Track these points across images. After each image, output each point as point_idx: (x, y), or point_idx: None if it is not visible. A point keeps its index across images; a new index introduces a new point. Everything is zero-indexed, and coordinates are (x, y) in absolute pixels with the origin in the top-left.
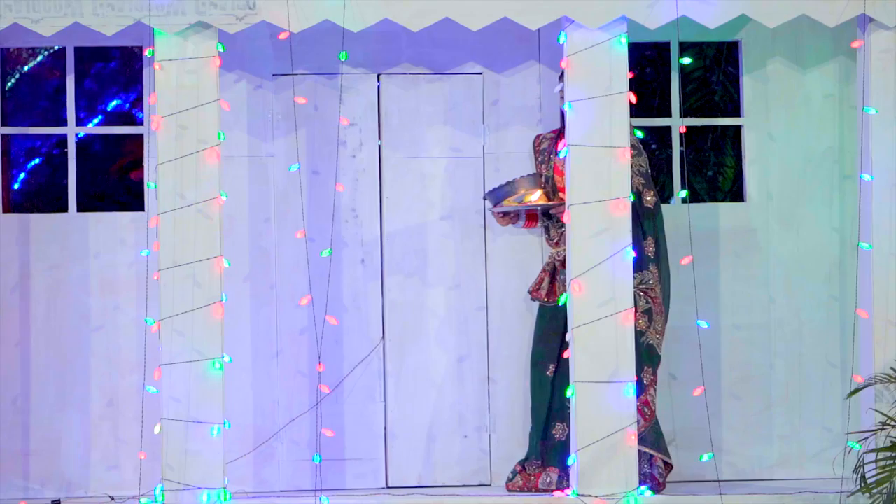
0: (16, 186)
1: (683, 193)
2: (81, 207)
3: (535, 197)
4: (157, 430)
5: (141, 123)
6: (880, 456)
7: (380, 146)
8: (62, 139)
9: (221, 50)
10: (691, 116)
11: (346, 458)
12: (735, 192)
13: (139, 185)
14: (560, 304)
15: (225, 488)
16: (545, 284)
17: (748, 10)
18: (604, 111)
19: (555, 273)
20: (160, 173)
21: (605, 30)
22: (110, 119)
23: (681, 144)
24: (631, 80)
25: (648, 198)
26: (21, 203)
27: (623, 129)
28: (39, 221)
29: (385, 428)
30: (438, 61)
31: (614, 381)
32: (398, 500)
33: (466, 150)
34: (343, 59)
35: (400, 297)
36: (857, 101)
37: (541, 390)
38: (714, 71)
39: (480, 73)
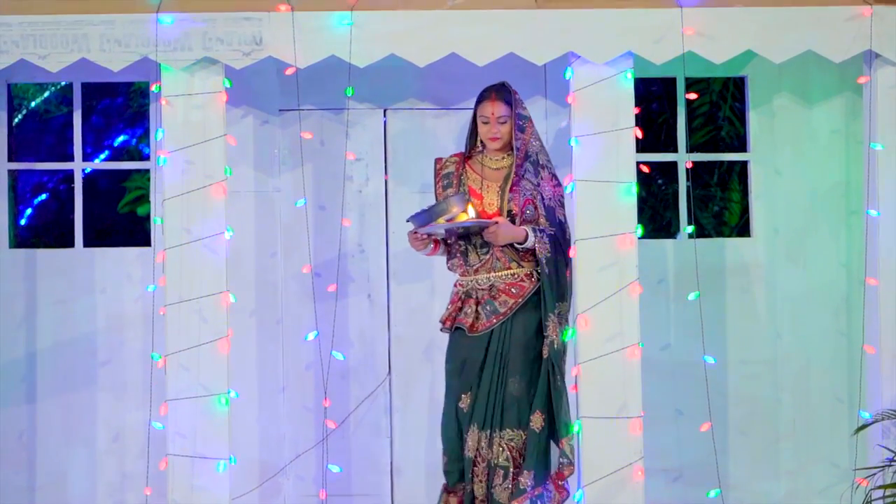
0: (23, 222)
1: (690, 229)
2: (88, 242)
3: (473, 214)
4: (162, 465)
5: (147, 158)
6: (888, 492)
7: (386, 181)
8: (69, 174)
9: (228, 85)
10: (698, 151)
11: (352, 493)
12: (741, 228)
13: (146, 220)
14: (484, 332)
15: None
16: (470, 311)
17: (754, 46)
18: (610, 146)
19: (478, 302)
20: (167, 208)
21: (611, 65)
22: (117, 154)
23: (687, 179)
24: (637, 116)
25: (570, 231)
26: (28, 238)
27: (629, 164)
28: (46, 256)
29: (391, 463)
30: (445, 96)
31: (621, 417)
32: None
33: None
34: (349, 95)
35: (406, 331)
36: (864, 137)
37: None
38: (720, 106)
39: None
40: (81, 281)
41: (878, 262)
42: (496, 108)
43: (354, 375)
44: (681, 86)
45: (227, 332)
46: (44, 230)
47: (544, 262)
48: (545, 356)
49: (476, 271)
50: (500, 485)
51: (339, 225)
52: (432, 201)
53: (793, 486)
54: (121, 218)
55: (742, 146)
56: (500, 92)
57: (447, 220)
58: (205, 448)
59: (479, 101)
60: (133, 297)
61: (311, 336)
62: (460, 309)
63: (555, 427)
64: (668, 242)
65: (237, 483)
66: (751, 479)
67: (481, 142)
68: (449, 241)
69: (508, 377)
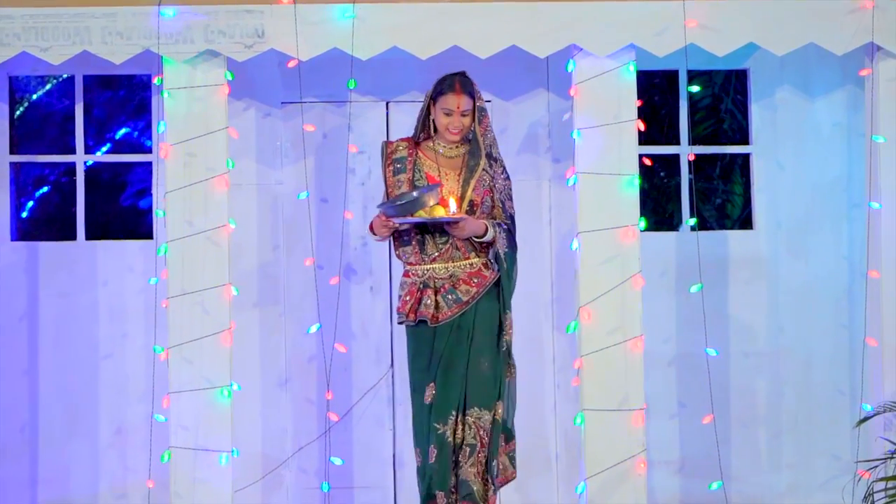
0: (24, 215)
1: (692, 221)
2: (90, 235)
3: (454, 207)
4: (165, 458)
5: (149, 151)
6: (890, 485)
7: None
8: (71, 167)
9: (230, 78)
10: (700, 144)
11: (354, 486)
12: (744, 220)
13: (148, 212)
14: (448, 322)
15: None
16: (430, 302)
17: (756, 39)
18: (612, 139)
19: (437, 292)
20: (169, 201)
21: (613, 58)
22: (119, 147)
23: (689, 172)
24: (639, 108)
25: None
26: (29, 231)
27: (632, 157)
28: (48, 249)
29: (394, 456)
30: None
31: (624, 409)
32: None
33: None
34: (352, 87)
35: None
36: (866, 130)
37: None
38: (722, 99)
39: (489, 101)
40: (83, 274)
41: (880, 254)
42: (461, 101)
43: (357, 368)
44: (683, 78)
45: (230, 324)
46: (46, 223)
47: (502, 256)
48: (502, 349)
49: (433, 260)
50: (467, 462)
51: (342, 217)
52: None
53: (794, 478)
54: (122, 211)
55: (744, 139)
56: (464, 83)
57: (425, 213)
58: (207, 441)
59: (440, 92)
60: (135, 290)
61: (313, 329)
62: (419, 300)
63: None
64: (670, 235)
65: (240, 475)
66: (752, 472)
67: (431, 128)
68: (401, 228)
69: (479, 357)
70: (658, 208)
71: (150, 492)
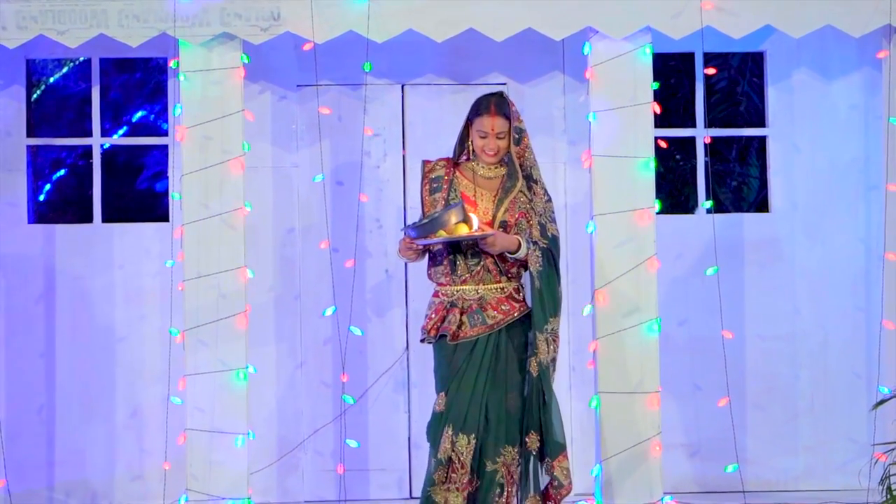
0: (41, 198)
1: (708, 204)
2: (106, 218)
3: (476, 223)
4: (181, 440)
5: (166, 134)
6: None
7: (404, 156)
8: (87, 150)
9: (246, 61)
10: (716, 127)
11: (370, 468)
12: (760, 203)
13: (164, 195)
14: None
15: (249, 498)
16: (454, 320)
17: (773, 21)
18: (628, 122)
19: (462, 312)
20: (185, 184)
21: (629, 40)
22: (135, 130)
23: (705, 155)
24: (655, 91)
25: (561, 246)
26: (46, 214)
27: (647, 139)
28: (64, 232)
29: (409, 438)
30: (462, 72)
31: (639, 392)
32: None
33: None
34: (367, 70)
35: (424, 307)
36: (883, 112)
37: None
38: (739, 81)
39: (504, 84)
40: (100, 256)
41: None
42: (496, 124)
43: (372, 350)
44: (699, 61)
45: (246, 307)
46: (62, 206)
47: (535, 275)
48: (533, 373)
49: (463, 282)
50: (497, 502)
51: (357, 200)
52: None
53: (811, 461)
54: (138, 193)
55: (760, 121)
56: (500, 105)
57: (447, 233)
58: (223, 423)
59: (476, 113)
60: (151, 273)
61: (328, 311)
62: (444, 318)
63: (544, 448)
64: (686, 218)
65: (255, 458)
66: (769, 455)
67: (470, 150)
68: (433, 249)
69: (507, 392)
70: (674, 191)
71: (167, 473)
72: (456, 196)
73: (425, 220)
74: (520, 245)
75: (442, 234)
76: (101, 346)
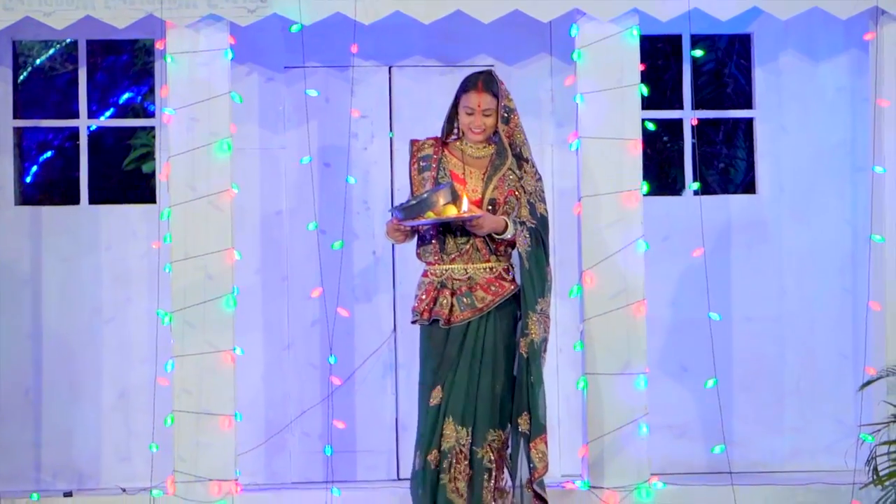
0: (28, 179)
1: (695, 185)
2: (93, 200)
3: (466, 204)
4: (168, 422)
5: (153, 116)
6: (893, 448)
7: (391, 138)
8: (74, 132)
9: (233, 42)
10: (703, 109)
11: (357, 449)
12: (747, 185)
13: (151, 177)
14: (460, 323)
15: (236, 480)
16: (445, 302)
17: (760, 3)
18: (615, 103)
19: (453, 293)
20: (172, 165)
21: (616, 22)
22: (122, 112)
23: (692, 137)
24: (642, 73)
25: (549, 225)
26: (33, 196)
27: (635, 121)
28: (51, 214)
29: (396, 420)
30: (450, 54)
31: (626, 373)
32: (409, 493)
33: None
34: (354, 52)
35: (411, 288)
36: (870, 94)
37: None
38: (726, 64)
39: (492, 66)
40: (87, 238)
41: (884, 218)
42: (482, 100)
43: (359, 332)
44: (686, 43)
45: (233, 289)
46: (49, 187)
47: (524, 255)
48: (524, 354)
49: (452, 260)
50: (486, 486)
51: (345, 182)
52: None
53: (797, 442)
54: (126, 175)
55: (747, 103)
56: (488, 82)
57: (435, 214)
58: (210, 404)
59: (463, 90)
60: (138, 254)
61: (316, 293)
62: (435, 300)
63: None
64: (673, 200)
65: (243, 439)
66: (755, 436)
67: (459, 129)
68: (422, 230)
69: (494, 377)
70: (661, 173)
71: (154, 455)
72: (445, 175)
73: (413, 202)
74: (507, 226)
75: (430, 216)
76: (88, 327)
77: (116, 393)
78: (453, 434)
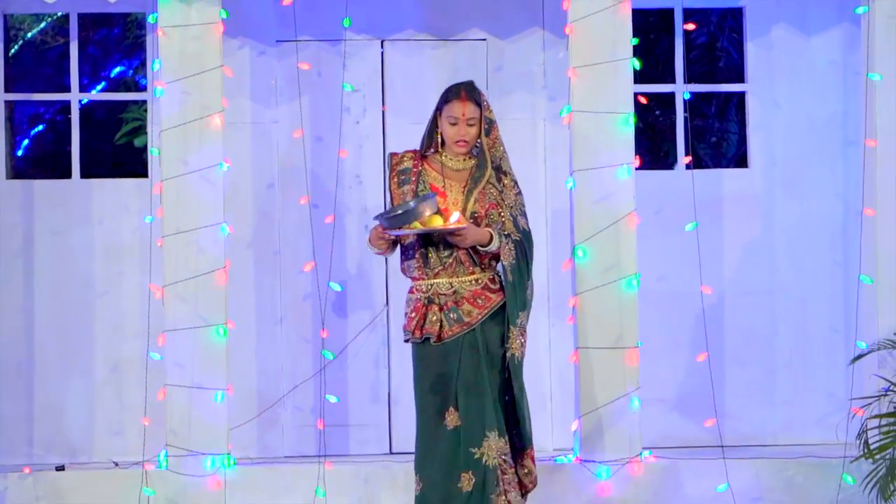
0: (19, 153)
1: (687, 159)
2: (85, 174)
3: (455, 218)
4: (160, 395)
5: (144, 90)
6: (884, 422)
7: (384, 112)
8: (66, 105)
9: (225, 16)
10: (695, 83)
11: (349, 424)
12: (739, 159)
13: (143, 151)
14: (448, 341)
15: (229, 454)
16: (435, 319)
17: None
18: (607, 77)
19: (441, 308)
20: (164, 139)
21: None
22: (113, 85)
23: (685, 111)
24: (635, 47)
25: (533, 239)
26: (25, 169)
27: (627, 95)
28: (43, 188)
29: (389, 394)
30: (443, 27)
31: (618, 347)
32: (402, 466)
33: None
34: (347, 26)
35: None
36: (862, 68)
37: (443, 443)
38: (718, 37)
39: (484, 40)
40: (78, 212)
41: (875, 192)
42: (466, 109)
43: (352, 306)
44: (679, 16)
45: (225, 263)
46: (41, 161)
47: (508, 268)
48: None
49: (436, 275)
50: (495, 492)
51: (337, 156)
52: (420, 134)
53: (789, 415)
54: (117, 149)
55: (740, 77)
56: (471, 91)
57: (420, 224)
58: (202, 378)
59: (446, 101)
60: (130, 229)
61: (308, 267)
62: (425, 316)
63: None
64: (665, 174)
65: (235, 413)
66: (747, 409)
67: (439, 142)
68: (405, 242)
69: (494, 385)
70: (653, 147)
71: (146, 429)
72: (425, 188)
73: (399, 211)
74: (492, 238)
75: (416, 226)
76: (81, 301)
77: (109, 367)
78: (494, 447)
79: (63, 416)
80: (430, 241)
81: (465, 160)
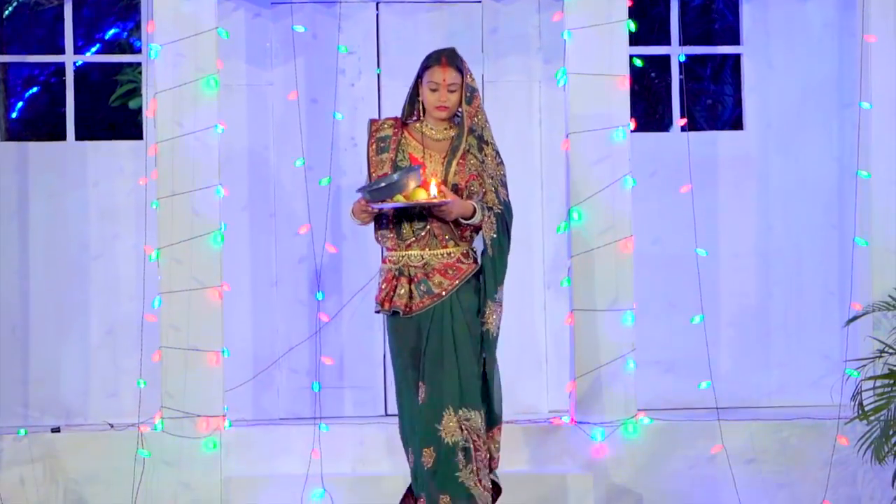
0: (14, 115)
1: (682, 122)
2: (80, 136)
3: (434, 190)
4: (156, 358)
5: (139, 52)
6: (878, 383)
7: (378, 75)
8: (60, 67)
9: None
10: (691, 45)
11: (345, 385)
12: (734, 121)
13: (138, 113)
14: (415, 315)
15: (224, 416)
16: (403, 292)
17: None
18: (603, 39)
19: (410, 280)
20: (158, 102)
21: None
22: (108, 47)
23: (680, 73)
24: (630, 8)
25: (513, 210)
26: (19, 131)
27: (622, 57)
28: (38, 150)
29: (384, 356)
30: None
31: (613, 309)
32: (397, 428)
33: None
34: None
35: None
36: (857, 29)
37: (418, 416)
38: None
39: (479, 2)
40: (73, 174)
41: (870, 154)
42: (447, 75)
43: (347, 268)
44: None
45: (220, 225)
46: (35, 123)
47: (489, 242)
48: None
49: (408, 246)
50: (465, 469)
51: (332, 118)
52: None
53: (783, 377)
54: (112, 111)
55: (735, 39)
56: (451, 57)
57: (404, 197)
58: (198, 341)
59: (426, 66)
60: (125, 191)
61: (303, 229)
62: (394, 289)
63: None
64: (660, 136)
65: (230, 375)
66: (742, 371)
67: (420, 110)
68: (382, 212)
69: (466, 358)
70: (648, 109)
71: (141, 391)
72: (404, 157)
73: (382, 184)
74: (475, 211)
75: (399, 199)
76: (76, 263)
77: (104, 329)
78: (456, 423)
79: (58, 378)
80: (406, 212)
81: (445, 130)
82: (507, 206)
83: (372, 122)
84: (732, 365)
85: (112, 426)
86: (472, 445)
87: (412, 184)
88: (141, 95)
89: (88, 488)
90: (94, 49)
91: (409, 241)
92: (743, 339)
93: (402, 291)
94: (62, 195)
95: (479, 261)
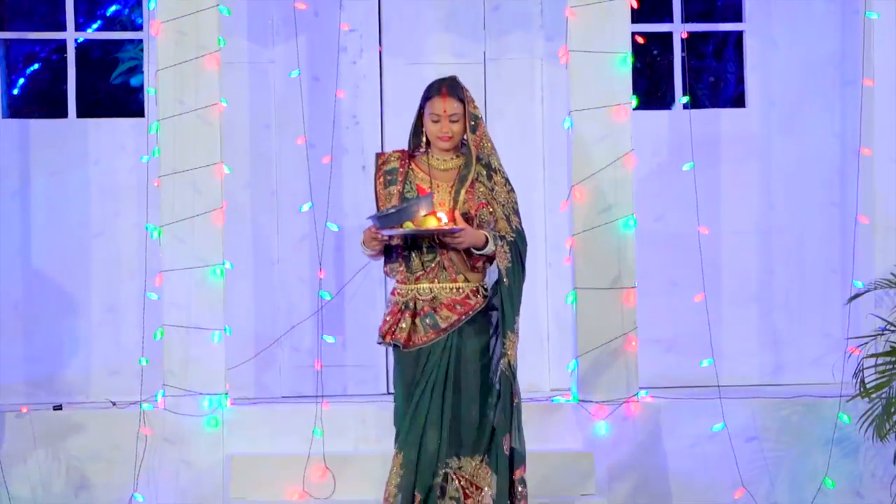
0: (15, 92)
1: (685, 99)
2: (81, 113)
3: (445, 220)
4: (157, 336)
5: (140, 29)
6: (880, 361)
7: (380, 52)
8: (61, 44)
9: None
10: (693, 22)
11: (346, 364)
12: (736, 99)
13: (139, 90)
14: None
15: (226, 394)
16: (405, 325)
17: None
18: (605, 16)
19: (415, 314)
20: (160, 79)
21: None
22: (109, 24)
23: (682, 50)
24: None
25: (526, 238)
26: (20, 108)
27: (624, 34)
28: (39, 127)
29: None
30: None
31: (615, 287)
32: None
33: (467, 55)
34: None
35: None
36: (860, 6)
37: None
38: None
39: None
40: (75, 152)
41: (872, 132)
42: (448, 105)
43: (349, 246)
44: None
45: (222, 203)
46: (37, 100)
47: (503, 271)
48: (507, 374)
49: (417, 279)
50: None
51: (334, 96)
52: (429, 74)
53: (785, 355)
54: (113, 88)
55: (737, 16)
56: (452, 87)
57: (415, 225)
58: (200, 319)
59: (427, 97)
60: (127, 168)
61: (305, 207)
62: (397, 322)
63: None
64: (662, 114)
65: (232, 353)
66: (743, 349)
67: (426, 141)
68: (395, 243)
69: (467, 403)
70: (650, 86)
71: (143, 369)
72: (412, 189)
73: (392, 210)
74: (487, 240)
75: (409, 226)
76: (77, 241)
77: (106, 307)
78: (451, 474)
79: (60, 356)
80: (416, 243)
81: (452, 159)
82: (519, 234)
83: (378, 155)
84: (734, 343)
85: (114, 404)
86: (461, 495)
87: (422, 211)
88: (143, 73)
89: (90, 466)
90: (95, 26)
91: (418, 274)
92: (744, 316)
93: (404, 325)
94: (63, 172)
95: (489, 296)
